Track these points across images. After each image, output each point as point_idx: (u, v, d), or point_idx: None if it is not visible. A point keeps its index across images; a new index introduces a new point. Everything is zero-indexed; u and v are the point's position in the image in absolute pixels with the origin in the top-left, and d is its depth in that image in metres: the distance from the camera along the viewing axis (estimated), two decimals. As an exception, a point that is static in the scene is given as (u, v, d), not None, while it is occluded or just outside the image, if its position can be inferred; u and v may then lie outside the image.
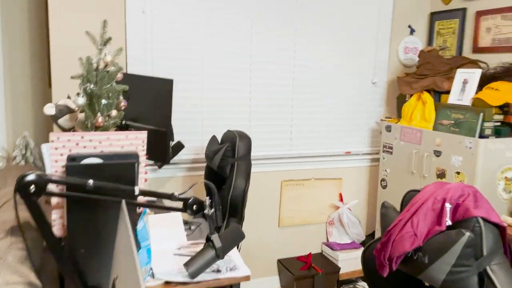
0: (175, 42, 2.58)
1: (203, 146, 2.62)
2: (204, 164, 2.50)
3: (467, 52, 2.89)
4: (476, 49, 2.82)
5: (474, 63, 2.71)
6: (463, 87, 2.54)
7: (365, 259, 1.60)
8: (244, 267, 1.54)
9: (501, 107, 2.40)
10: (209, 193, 2.39)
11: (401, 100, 3.01)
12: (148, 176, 2.62)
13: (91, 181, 1.22)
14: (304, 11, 2.85)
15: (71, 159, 1.31)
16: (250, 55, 2.77)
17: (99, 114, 1.52)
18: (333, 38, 2.96)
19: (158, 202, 2.07)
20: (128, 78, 1.75)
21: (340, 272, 2.93)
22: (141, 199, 1.50)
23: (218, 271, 1.49)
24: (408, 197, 1.50)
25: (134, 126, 1.86)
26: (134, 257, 0.85)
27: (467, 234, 1.22)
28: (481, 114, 2.36)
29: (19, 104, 2.58)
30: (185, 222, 1.98)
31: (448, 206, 1.29)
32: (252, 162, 2.43)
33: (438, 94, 2.73)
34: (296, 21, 2.84)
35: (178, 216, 1.89)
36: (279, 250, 3.05)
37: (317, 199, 3.11)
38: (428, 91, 2.78)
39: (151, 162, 2.45)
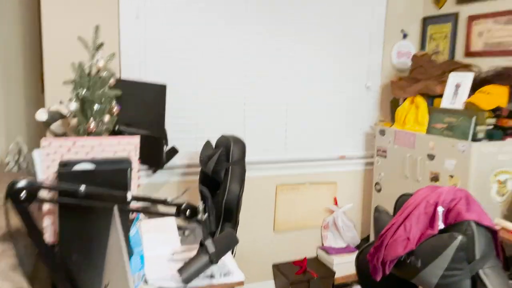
0: (169, 47, 2.58)
1: (198, 151, 2.61)
2: (199, 169, 2.50)
3: (459, 56, 2.92)
4: (469, 53, 2.84)
5: (466, 67, 2.73)
6: (456, 91, 2.56)
7: (358, 263, 1.60)
8: (238, 272, 1.53)
9: (493, 111, 2.42)
10: (203, 198, 2.39)
11: (394, 104, 3.02)
12: (142, 181, 2.62)
13: (83, 187, 1.21)
14: (298, 16, 2.86)
15: (63, 165, 1.30)
16: (244, 60, 2.77)
17: (91, 119, 1.51)
18: (327, 43, 2.97)
19: (151, 207, 2.06)
20: (121, 84, 1.75)
21: (336, 276, 2.93)
22: (134, 204, 1.49)
23: (212, 276, 1.48)
24: (401, 201, 1.50)
25: (128, 132, 1.85)
26: (125, 264, 0.84)
27: (459, 237, 1.23)
28: (474, 118, 2.37)
29: (12, 110, 2.56)
30: (180, 227, 1.97)
31: (440, 209, 1.29)
32: (247, 166, 2.43)
33: (431, 98, 2.74)
34: (290, 26, 2.85)
35: (172, 221, 1.88)
36: (274, 255, 3.04)
37: (312, 203, 3.11)
38: (422, 95, 2.79)
39: (145, 167, 2.44)
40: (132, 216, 1.46)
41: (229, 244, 1.52)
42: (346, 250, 3.06)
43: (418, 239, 1.30)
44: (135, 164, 1.51)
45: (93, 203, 1.25)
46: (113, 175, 1.31)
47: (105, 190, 1.26)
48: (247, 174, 2.42)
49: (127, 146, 1.47)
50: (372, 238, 3.14)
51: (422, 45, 3.18)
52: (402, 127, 2.82)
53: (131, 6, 2.46)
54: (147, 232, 1.77)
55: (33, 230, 1.17)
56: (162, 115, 1.81)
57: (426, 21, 3.15)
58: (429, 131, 2.63)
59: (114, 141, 1.45)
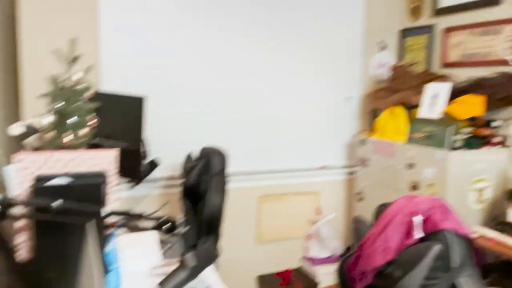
0: (150, 58, 2.57)
1: (179, 163, 2.59)
2: (181, 181, 2.47)
3: (436, 67, 2.97)
4: (445, 64, 2.90)
5: (443, 78, 2.78)
6: (433, 101, 2.60)
7: (340, 274, 1.60)
8: (220, 285, 1.51)
9: (470, 120, 2.47)
10: (184, 210, 2.36)
11: (374, 114, 3.06)
12: (122, 195, 2.58)
13: (56, 203, 1.19)
14: (280, 28, 2.89)
15: (37, 180, 1.27)
16: (226, 72, 2.78)
17: (67, 133, 1.49)
18: (308, 54, 3.00)
19: (129, 222, 2.02)
20: (99, 96, 1.73)
21: (319, 287, 2.92)
22: (112, 219, 1.46)
23: (192, 291, 1.45)
24: (380, 211, 1.51)
25: (106, 145, 1.82)
26: (98, 282, 0.82)
27: (436, 247, 1.24)
28: (451, 127, 2.42)
29: (-12, 124, 2.51)
30: (162, 241, 1.95)
31: (418, 219, 1.30)
32: (229, 178, 2.41)
33: (409, 108, 2.79)
34: (272, 38, 2.87)
35: (153, 236, 1.85)
36: (258, 267, 3.02)
37: (295, 214, 3.10)
38: (400, 105, 2.83)
39: (125, 180, 2.40)
40: (109, 231, 1.43)
41: (210, 257, 1.50)
42: (329, 260, 3.06)
43: (396, 248, 1.31)
44: (113, 177, 1.49)
45: (68, 218, 1.22)
46: (88, 190, 1.29)
47: (79, 205, 1.23)
48: (229, 185, 2.41)
49: (104, 160, 1.44)
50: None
51: (400, 57, 3.24)
52: (382, 137, 2.86)
53: (111, 18, 2.45)
54: (126, 247, 1.74)
55: (5, 247, 1.14)
56: (141, 127, 1.79)
57: (404, 33, 3.21)
58: (408, 140, 2.67)
59: (90, 154, 1.43)
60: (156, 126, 2.61)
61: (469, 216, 2.38)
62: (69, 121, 1.49)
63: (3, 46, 2.51)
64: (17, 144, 2.49)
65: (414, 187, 2.55)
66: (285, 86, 2.96)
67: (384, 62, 3.20)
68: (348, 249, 3.23)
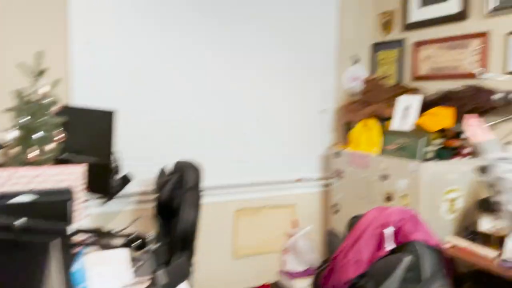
0: (122, 71, 2.54)
1: (153, 178, 2.55)
2: (154, 196, 2.43)
3: (407, 80, 3.04)
4: (416, 77, 2.97)
5: (414, 91, 2.84)
6: (405, 113, 2.65)
7: (314, 287, 1.59)
8: (191, 303, 1.47)
9: (441, 131, 2.52)
10: (157, 226, 2.32)
11: (348, 126, 3.09)
12: (93, 211, 2.50)
13: (20, 221, 1.14)
14: (254, 42, 2.90)
15: (0, 197, 1.22)
16: (200, 85, 2.77)
17: (32, 148, 1.44)
18: (282, 68, 3.02)
19: (99, 239, 1.97)
20: (68, 110, 1.69)
21: (297, 301, 2.89)
22: (79, 237, 1.42)
23: (164, 309, 1.41)
24: (352, 223, 1.52)
25: (74, 160, 1.78)
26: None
27: (407, 258, 1.24)
28: (423, 139, 2.46)
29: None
30: (133, 259, 1.89)
31: (390, 230, 1.31)
32: (204, 192, 2.38)
33: (382, 120, 2.83)
34: (247, 51, 2.89)
35: (124, 253, 1.80)
36: (235, 282, 2.98)
37: (272, 227, 3.08)
38: (373, 117, 2.88)
39: (95, 196, 2.34)
40: (76, 250, 1.38)
41: (182, 274, 1.46)
42: (307, 273, 3.04)
43: (368, 261, 1.30)
44: (80, 194, 1.45)
45: (31, 237, 1.18)
46: (53, 207, 1.24)
47: (44, 223, 1.19)
48: (204, 200, 2.38)
49: (71, 176, 1.40)
50: (332, 260, 3.14)
51: (373, 70, 3.30)
52: (356, 149, 2.88)
53: (81, 31, 2.41)
54: (95, 266, 1.68)
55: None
56: (111, 142, 1.76)
57: (376, 47, 3.28)
58: (382, 152, 2.70)
59: (56, 170, 1.39)
60: (129, 140, 2.56)
61: (441, 226, 2.41)
62: (34, 136, 1.45)
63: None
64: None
65: (388, 198, 2.58)
66: (260, 99, 2.97)
67: (357, 76, 3.25)
68: (324, 262, 3.22)
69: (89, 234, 1.46)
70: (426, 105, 2.62)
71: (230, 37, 2.84)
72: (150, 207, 2.56)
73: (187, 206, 2.14)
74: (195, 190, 2.20)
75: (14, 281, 1.20)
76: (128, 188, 2.45)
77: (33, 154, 1.45)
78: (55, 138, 1.53)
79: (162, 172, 2.42)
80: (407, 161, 2.47)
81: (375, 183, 2.68)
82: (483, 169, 1.17)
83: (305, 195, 3.21)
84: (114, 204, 2.56)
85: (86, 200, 1.64)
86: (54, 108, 1.51)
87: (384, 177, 2.61)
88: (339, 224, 2.94)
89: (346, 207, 2.92)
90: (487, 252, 2.12)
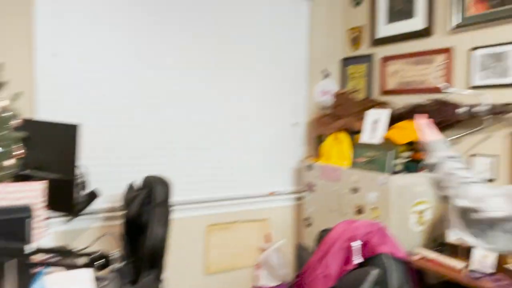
0: (89, 85, 2.48)
1: (121, 193, 2.48)
2: (122, 213, 2.36)
3: (376, 94, 3.10)
4: (384, 92, 3.03)
5: (382, 104, 2.90)
6: (374, 127, 2.69)
7: (285, 303, 1.57)
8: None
9: (409, 144, 2.56)
10: (124, 243, 2.25)
11: (319, 140, 3.12)
12: (59, 229, 2.41)
13: (-28, 241, 1.08)
14: (223, 56, 2.90)
15: (-50, 217, 1.16)
16: (169, 98, 2.73)
17: (-11, 164, 1.38)
18: (254, 81, 3.03)
19: (61, 259, 1.89)
20: (29, 124, 1.63)
21: (270, 317, 2.85)
22: (39, 257, 1.36)
23: (128, 331, 1.36)
24: (321, 236, 1.51)
25: (36, 176, 1.71)
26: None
27: (374, 271, 1.24)
28: (391, 152, 2.50)
29: None
30: (97, 278, 1.82)
31: (357, 243, 1.31)
32: (174, 207, 2.34)
33: (352, 133, 2.86)
34: (216, 65, 2.88)
35: (87, 273, 1.73)
36: (207, 299, 2.92)
37: (244, 242, 3.05)
38: (344, 130, 2.91)
39: (60, 213, 2.26)
40: (35, 270, 1.32)
41: (148, 293, 1.42)
42: (279, 288, 3.01)
43: (336, 275, 1.30)
44: (40, 211, 1.39)
45: (-15, 258, 1.12)
46: (10, 225, 1.19)
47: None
48: (174, 215, 2.33)
49: (31, 193, 1.35)
50: (305, 275, 3.12)
51: (343, 84, 3.35)
52: (328, 162, 2.90)
53: (47, 44, 2.35)
54: (57, 287, 1.61)
55: None
56: (75, 157, 1.70)
57: (345, 62, 3.34)
58: (352, 165, 2.73)
59: (15, 187, 1.33)
60: (96, 155, 2.50)
61: (410, 238, 2.44)
62: (-8, 151, 1.39)
63: None
64: None
65: (359, 211, 2.60)
66: (231, 113, 2.96)
67: (327, 89, 3.30)
68: (297, 276, 3.20)
69: (50, 254, 1.40)
70: (394, 119, 2.67)
71: (201, 51, 2.83)
72: (118, 223, 2.49)
73: (156, 222, 2.09)
74: (164, 206, 2.16)
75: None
76: (95, 205, 2.38)
77: (-10, 170, 1.39)
78: (15, 154, 1.47)
79: (130, 188, 2.37)
80: (376, 173, 2.50)
81: (346, 196, 2.69)
82: (431, 167, 1.21)
83: (278, 208, 3.20)
84: (80, 221, 2.48)
85: (47, 218, 1.57)
86: (14, 122, 1.45)
87: (355, 190, 2.63)
88: (312, 238, 2.94)
89: (318, 221, 2.92)
90: (455, 263, 2.15)
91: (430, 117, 2.52)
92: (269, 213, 3.15)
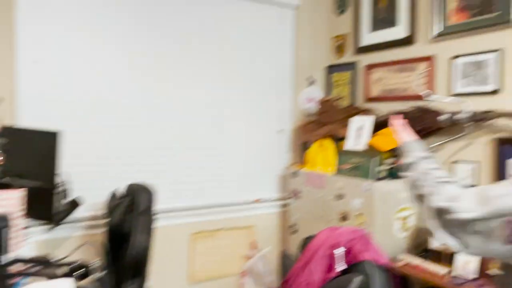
0: (71, 91, 2.45)
1: (103, 201, 2.45)
2: (104, 221, 2.33)
3: (360, 101, 3.13)
4: (368, 99, 3.06)
5: (366, 111, 2.92)
6: (358, 133, 2.72)
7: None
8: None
9: (393, 151, 2.59)
10: (106, 252, 2.22)
11: (305, 146, 3.13)
12: (40, 238, 2.36)
13: None
14: (209, 63, 2.90)
15: None
16: (153, 105, 2.72)
17: (-35, 173, 1.35)
18: (240, 88, 3.03)
19: (40, 269, 1.85)
20: (8, 132, 1.60)
21: (255, 326, 2.83)
22: (17, 267, 1.33)
23: None
24: (304, 244, 1.51)
25: (16, 184, 1.68)
26: None
27: (357, 278, 1.24)
28: (375, 158, 2.52)
29: None
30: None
31: (340, 250, 1.31)
32: (158, 215, 2.31)
33: (337, 140, 2.88)
34: (202, 71, 2.88)
35: (67, 283, 1.70)
36: (191, 308, 2.88)
37: (229, 250, 3.03)
38: (329, 137, 2.93)
39: (40, 222, 2.21)
40: (12, 281, 1.29)
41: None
42: (265, 296, 2.99)
43: (320, 283, 1.29)
44: (19, 220, 1.36)
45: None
46: (-14, 236, 1.16)
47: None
48: (158, 223, 2.30)
49: (8, 201, 1.32)
50: (290, 282, 3.11)
51: (328, 91, 3.37)
52: (313, 169, 2.91)
53: (28, 50, 2.32)
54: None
55: None
56: (55, 164, 1.67)
57: (330, 69, 3.36)
58: (337, 172, 2.74)
59: (-8, 196, 1.30)
60: (79, 162, 2.47)
61: (395, 244, 2.46)
62: (-32, 159, 1.35)
63: None
64: None
65: (344, 217, 2.60)
66: (216, 120, 2.95)
67: (312, 97, 3.31)
68: (281, 284, 3.19)
69: (29, 264, 1.37)
70: (378, 126, 2.69)
71: (186, 58, 2.82)
72: (100, 232, 2.45)
73: (139, 231, 2.07)
74: (148, 214, 2.13)
75: None
76: (78, 213, 2.34)
77: (-34, 178, 1.35)
78: (-7, 161, 1.44)
79: (113, 196, 2.34)
80: (360, 180, 2.51)
81: (331, 202, 2.70)
82: (406, 167, 1.23)
83: (263, 216, 3.19)
84: (62, 230, 2.43)
85: (27, 227, 1.54)
86: (-9, 130, 1.42)
87: (340, 197, 2.64)
88: (297, 245, 2.93)
89: (304, 227, 2.92)
90: (438, 269, 2.17)
91: (413, 124, 2.56)
92: (254, 220, 3.14)
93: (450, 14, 2.51)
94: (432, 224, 1.06)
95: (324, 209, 2.75)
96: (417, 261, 2.29)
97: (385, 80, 2.94)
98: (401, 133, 1.33)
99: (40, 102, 2.36)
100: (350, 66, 3.19)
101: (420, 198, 1.13)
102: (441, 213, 1.03)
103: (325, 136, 2.95)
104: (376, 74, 3.00)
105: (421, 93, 2.60)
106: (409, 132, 1.34)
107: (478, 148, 2.39)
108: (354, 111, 2.95)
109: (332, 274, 1.29)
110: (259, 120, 3.14)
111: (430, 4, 2.61)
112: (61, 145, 1.73)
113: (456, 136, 2.45)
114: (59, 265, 1.27)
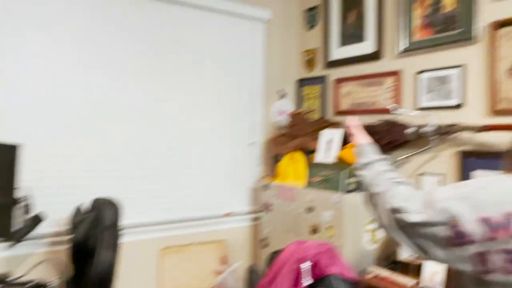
0: (33, 104, 2.38)
1: (68, 217, 2.37)
2: (68, 237, 2.25)
3: (330, 114, 3.17)
4: (338, 112, 3.10)
5: (336, 125, 2.96)
6: (328, 146, 2.74)
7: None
8: None
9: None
10: (69, 270, 2.14)
11: (276, 159, 3.13)
12: (0, 255, 2.26)
13: None
14: (178, 73, 2.88)
15: None
16: (121, 118, 2.66)
17: None
18: (210, 101, 3.02)
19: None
20: (-36, 145, 1.53)
21: None
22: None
23: None
24: (271, 258, 1.49)
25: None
26: None
27: (323, 293, 1.24)
28: (345, 171, 2.54)
29: None
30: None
31: (307, 264, 1.30)
32: (125, 230, 2.25)
33: (308, 153, 2.90)
34: (171, 83, 2.85)
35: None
36: (160, 326, 2.80)
37: (200, 265, 2.97)
38: (299, 150, 2.94)
39: (1, 239, 2.12)
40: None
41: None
42: (236, 311, 2.95)
43: (286, 298, 1.28)
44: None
45: None
46: None
47: None
48: (125, 239, 2.24)
49: (-40, 218, 1.25)
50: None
51: (298, 104, 3.40)
52: (284, 181, 2.91)
53: (-10, 60, 2.25)
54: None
55: None
56: (14, 178, 1.61)
57: (301, 83, 3.40)
58: (308, 184, 2.75)
59: None
60: (42, 176, 2.38)
61: (364, 257, 2.47)
62: None
63: None
64: None
65: (314, 230, 2.61)
66: (187, 132, 2.92)
67: (283, 110, 3.33)
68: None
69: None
70: (348, 139, 2.72)
71: (157, 69, 2.79)
72: (64, 249, 2.37)
73: (104, 247, 2.00)
74: (113, 229, 2.07)
75: None
76: (40, 229, 2.25)
77: None
78: None
79: (77, 211, 2.27)
80: (331, 193, 2.53)
81: (301, 215, 2.70)
82: (361, 167, 1.26)
83: (235, 229, 3.16)
84: (24, 247, 2.33)
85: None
86: None
87: (310, 209, 2.64)
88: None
89: (275, 241, 2.91)
90: (406, 281, 2.19)
91: (381, 137, 2.61)
92: (225, 234, 3.10)
93: (415, 30, 2.58)
94: (387, 226, 1.08)
95: (295, 222, 2.75)
96: (385, 273, 2.31)
97: (354, 94, 2.99)
98: (357, 135, 1.37)
99: (1, 114, 2.28)
100: (320, 79, 3.23)
101: (374, 197, 1.16)
102: (394, 212, 1.05)
103: (296, 149, 2.97)
104: (345, 88, 3.05)
105: (388, 107, 2.65)
106: (364, 135, 1.37)
107: (444, 161, 2.44)
108: (324, 124, 2.98)
109: (298, 289, 1.29)
110: (230, 133, 3.13)
111: (396, 20, 2.69)
112: (22, 158, 1.67)
113: (422, 149, 2.50)
114: (14, 284, 1.20)
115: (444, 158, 2.44)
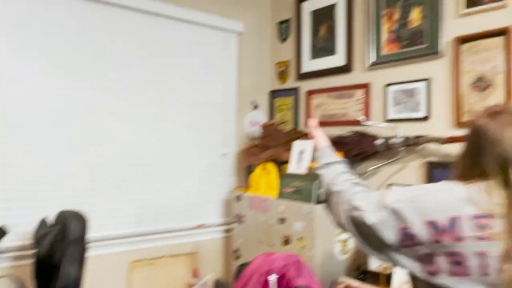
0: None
1: (32, 230, 2.29)
2: (32, 251, 2.17)
3: (302, 125, 3.20)
4: (310, 123, 3.13)
5: (308, 136, 2.98)
6: (300, 157, 2.76)
7: None
8: None
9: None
10: (32, 285, 2.07)
11: (249, 170, 3.13)
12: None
13: None
14: (150, 84, 2.85)
15: None
16: (88, 125, 2.61)
17: None
18: (181, 112, 3.00)
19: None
20: None
21: None
22: None
23: None
24: (239, 271, 1.48)
25: None
26: None
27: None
28: (316, 182, 2.56)
29: None
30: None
31: (273, 277, 1.29)
32: (93, 244, 2.19)
33: (280, 164, 2.91)
34: (143, 95, 2.82)
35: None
36: None
37: (171, 278, 2.92)
38: (272, 161, 2.95)
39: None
40: None
41: None
42: (208, 325, 2.90)
43: (253, 311, 1.27)
44: None
45: None
46: None
47: None
48: (93, 252, 2.18)
49: None
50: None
51: (271, 115, 3.42)
52: (256, 193, 2.91)
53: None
54: None
55: None
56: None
57: (273, 94, 3.43)
58: (279, 195, 2.76)
59: None
60: (4, 188, 2.30)
61: (335, 267, 2.49)
62: None
63: None
64: None
65: (286, 241, 2.61)
66: (158, 143, 2.89)
67: (256, 121, 3.35)
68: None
69: None
70: (308, 138, 2.75)
71: (128, 79, 2.76)
72: (28, 263, 2.29)
73: (69, 261, 1.94)
74: (79, 243, 2.01)
75: None
76: (3, 243, 2.17)
77: None
78: None
79: (42, 223, 2.19)
80: (302, 203, 2.54)
81: (273, 226, 2.70)
82: (321, 168, 1.30)
83: (207, 241, 3.13)
84: (-15, 262, 2.24)
85: None
86: None
87: (282, 220, 2.65)
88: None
89: (247, 253, 2.89)
90: (376, 291, 2.21)
91: (351, 148, 2.66)
92: (197, 247, 3.07)
93: (383, 44, 2.65)
94: (345, 223, 1.10)
95: (267, 233, 2.74)
96: (356, 283, 2.32)
97: (325, 106, 3.04)
98: (317, 137, 1.41)
99: (-37, 124, 2.20)
100: (293, 91, 3.26)
101: (333, 195, 1.19)
102: (352, 210, 1.08)
103: (268, 160, 2.98)
104: (317, 99, 3.09)
105: (358, 119, 2.70)
106: (324, 137, 1.41)
107: (411, 172, 2.50)
108: (296, 135, 3.00)
109: (265, 302, 1.28)
110: (203, 144, 3.11)
111: (366, 34, 2.75)
112: (-19, 171, 1.60)
113: (391, 160, 2.55)
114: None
115: (412, 169, 2.50)
